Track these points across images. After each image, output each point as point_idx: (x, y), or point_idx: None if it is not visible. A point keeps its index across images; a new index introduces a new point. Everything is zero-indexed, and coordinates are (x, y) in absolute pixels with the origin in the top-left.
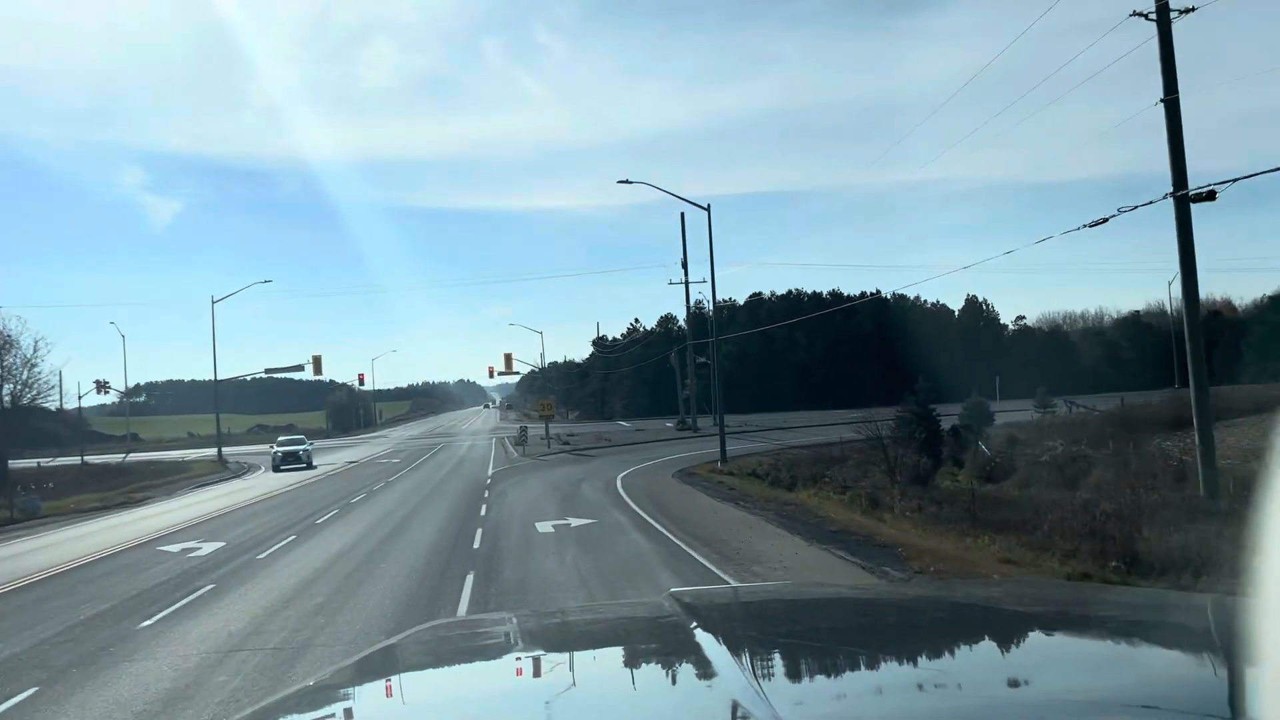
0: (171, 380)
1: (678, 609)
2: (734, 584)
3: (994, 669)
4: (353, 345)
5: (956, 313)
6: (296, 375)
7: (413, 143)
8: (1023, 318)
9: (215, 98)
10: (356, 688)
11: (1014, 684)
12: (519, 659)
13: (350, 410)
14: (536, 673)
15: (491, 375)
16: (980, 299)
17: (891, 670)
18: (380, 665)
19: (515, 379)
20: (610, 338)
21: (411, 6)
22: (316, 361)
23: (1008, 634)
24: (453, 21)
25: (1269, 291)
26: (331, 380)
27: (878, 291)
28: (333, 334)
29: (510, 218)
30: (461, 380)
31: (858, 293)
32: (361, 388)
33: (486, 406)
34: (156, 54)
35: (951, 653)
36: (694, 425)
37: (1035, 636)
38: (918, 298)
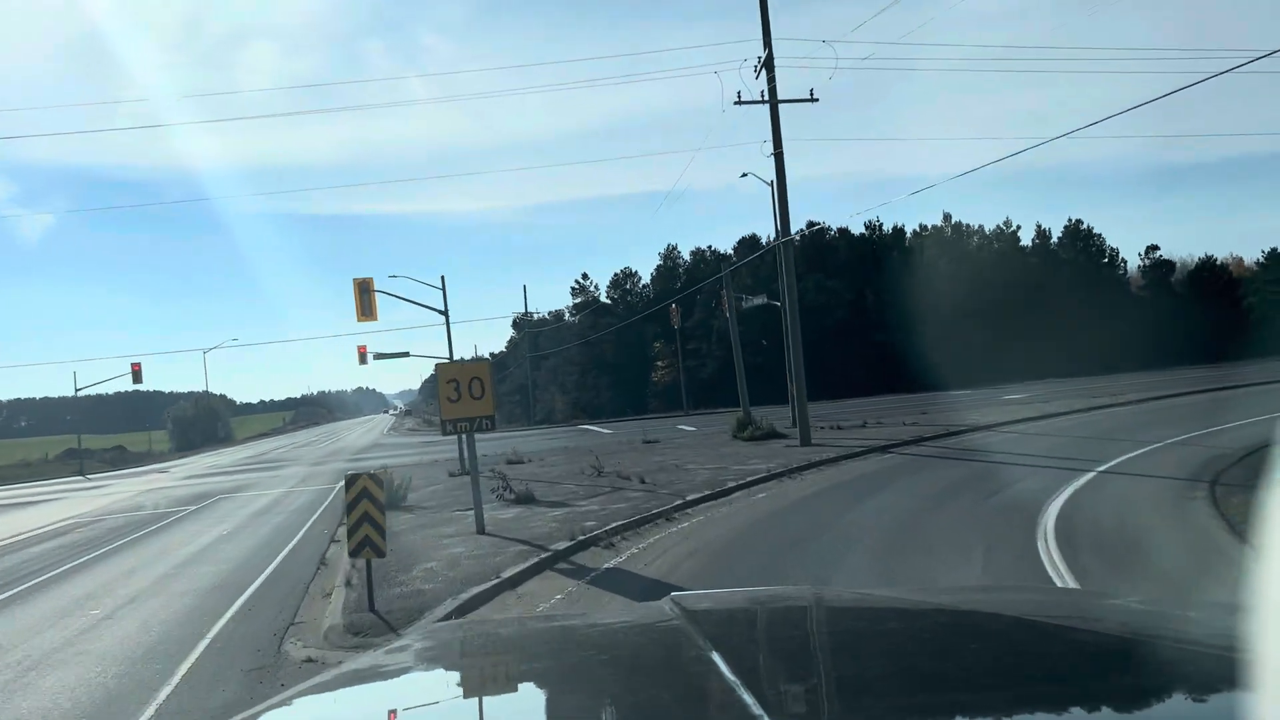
0: (21, 399)
1: (678, 614)
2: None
3: (993, 678)
4: (240, 357)
5: (1054, 244)
6: (168, 389)
7: (298, 147)
8: (1156, 249)
9: (87, 106)
10: (357, 690)
11: (1014, 693)
12: (518, 663)
13: (201, 423)
14: (535, 677)
15: (364, 359)
16: (1085, 225)
17: (891, 678)
18: (382, 668)
19: (417, 383)
20: (538, 315)
21: (288, 10)
22: None
23: (1008, 642)
24: (333, 24)
25: None
26: (220, 393)
27: (948, 217)
28: (218, 344)
29: (405, 222)
30: (359, 388)
31: (892, 227)
32: (221, 397)
33: (386, 412)
34: (21, 62)
35: (951, 661)
36: (800, 430)
37: (1036, 645)
38: (1009, 226)
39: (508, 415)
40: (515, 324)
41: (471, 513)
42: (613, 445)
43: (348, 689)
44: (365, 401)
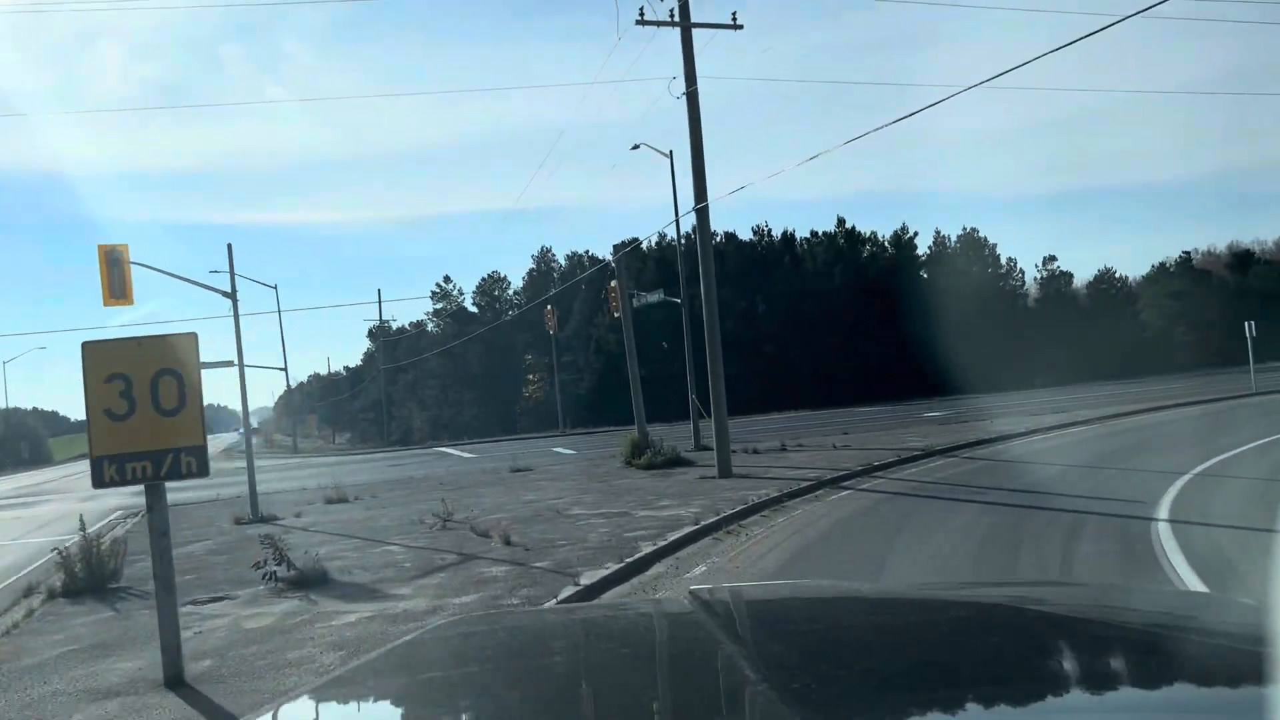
0: None
1: (697, 607)
2: (754, 583)
3: (1016, 672)
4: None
5: (951, 252)
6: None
7: (150, 153)
8: (1054, 259)
9: None
10: (376, 682)
11: (1036, 687)
12: (538, 655)
13: (9, 443)
14: (555, 669)
15: None
16: (980, 234)
17: (911, 671)
18: (401, 660)
19: (273, 398)
20: (394, 323)
21: (138, 9)
22: None
23: (1030, 636)
24: (187, 27)
25: None
26: (52, 410)
27: (841, 221)
28: (55, 361)
29: (264, 232)
30: (211, 405)
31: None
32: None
33: (237, 431)
34: None
35: (972, 654)
36: (718, 456)
37: (1059, 639)
38: (905, 233)
39: (362, 434)
40: (371, 334)
41: (220, 604)
42: (472, 475)
43: (369, 682)
44: (217, 419)
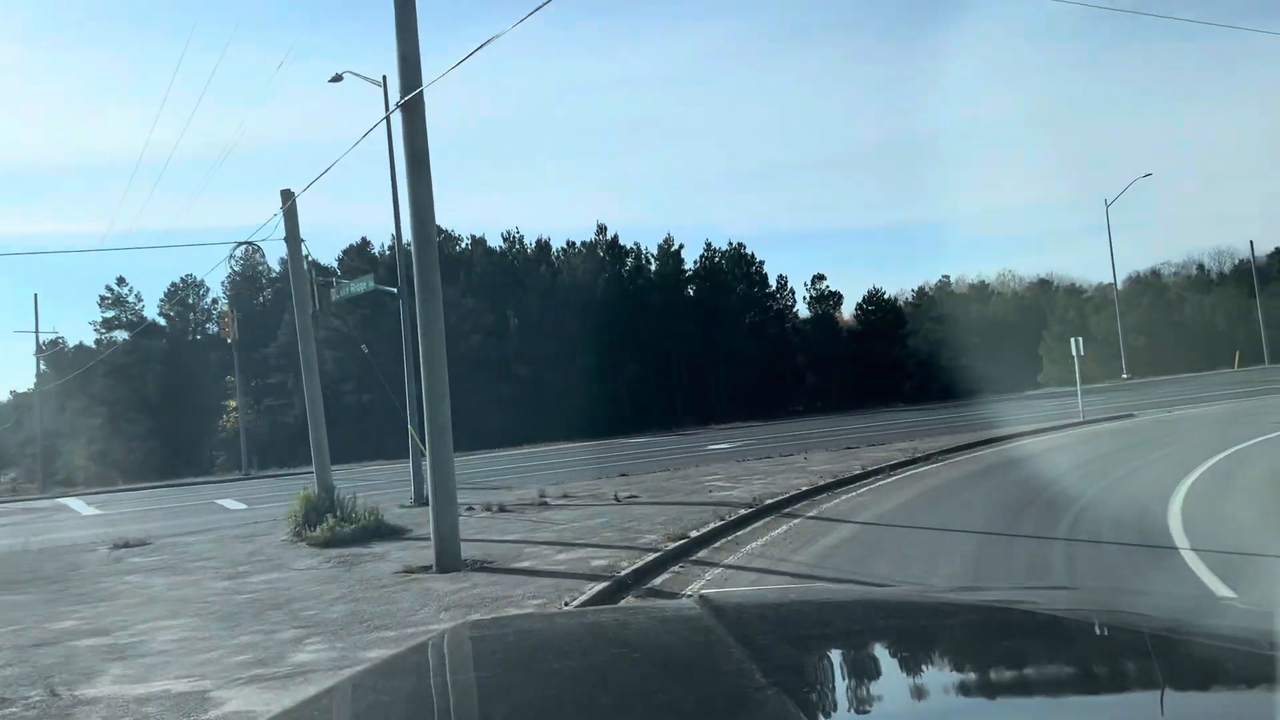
0: None
1: (708, 611)
2: (764, 587)
3: (1027, 675)
4: None
5: (719, 268)
6: None
7: None
8: (822, 278)
9: None
10: (387, 685)
11: (1048, 691)
12: (549, 660)
13: None
14: (565, 674)
15: None
16: (748, 250)
17: (921, 675)
18: (413, 664)
19: None
20: (77, 343)
21: None
22: None
23: (1042, 640)
24: None
25: None
26: None
27: (602, 229)
28: None
29: None
30: None
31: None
32: None
33: None
34: None
35: (983, 658)
36: (436, 528)
37: (1069, 642)
38: (670, 245)
39: (28, 474)
40: (39, 351)
41: None
42: (45, 556)
43: (380, 687)
44: None
